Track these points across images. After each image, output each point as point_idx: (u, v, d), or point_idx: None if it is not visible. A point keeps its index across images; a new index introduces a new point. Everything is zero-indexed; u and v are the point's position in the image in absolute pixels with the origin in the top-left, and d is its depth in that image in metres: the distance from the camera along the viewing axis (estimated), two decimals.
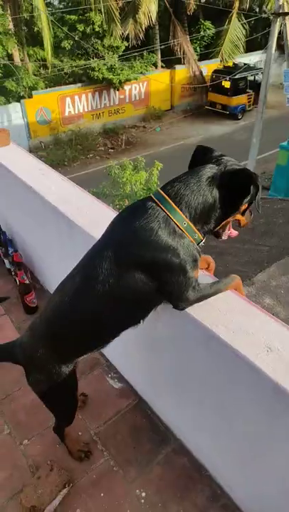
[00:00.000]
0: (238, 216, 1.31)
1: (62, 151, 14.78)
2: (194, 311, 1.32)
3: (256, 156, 12.73)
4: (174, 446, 1.81)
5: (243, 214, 1.32)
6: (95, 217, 1.83)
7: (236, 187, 1.22)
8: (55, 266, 2.37)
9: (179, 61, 17.60)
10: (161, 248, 1.19)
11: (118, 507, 1.62)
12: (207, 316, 1.31)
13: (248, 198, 1.24)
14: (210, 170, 1.22)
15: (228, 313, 1.32)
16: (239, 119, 18.19)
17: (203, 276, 1.42)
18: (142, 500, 1.64)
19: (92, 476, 1.72)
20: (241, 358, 1.19)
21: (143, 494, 1.65)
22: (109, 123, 16.88)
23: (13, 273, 2.62)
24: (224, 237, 1.37)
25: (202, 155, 1.29)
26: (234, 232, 1.40)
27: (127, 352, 2.00)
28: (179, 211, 1.20)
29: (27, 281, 2.37)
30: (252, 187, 1.22)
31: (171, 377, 1.68)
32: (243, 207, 1.28)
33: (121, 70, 15.18)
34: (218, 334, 1.25)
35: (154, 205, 1.22)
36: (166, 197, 1.22)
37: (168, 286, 1.23)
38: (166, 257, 1.19)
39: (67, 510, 1.61)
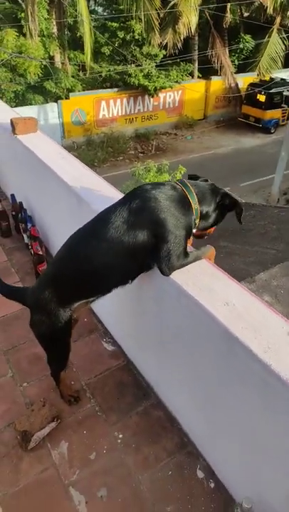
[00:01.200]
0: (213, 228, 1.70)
1: (93, 152, 15.28)
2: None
3: (284, 170, 12.77)
4: (152, 401, 2.04)
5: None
6: (102, 196, 2.11)
7: (225, 204, 1.62)
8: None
9: (215, 72, 17.87)
10: (172, 213, 1.49)
11: (97, 443, 1.86)
12: (180, 277, 1.55)
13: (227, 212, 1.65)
14: (211, 185, 1.64)
15: (198, 275, 1.56)
16: (272, 133, 18.22)
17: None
18: (119, 441, 1.87)
19: (78, 417, 1.97)
20: (202, 309, 1.42)
21: (120, 436, 1.89)
22: (142, 128, 17.29)
23: (30, 247, 2.94)
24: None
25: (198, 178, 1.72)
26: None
27: (120, 319, 2.26)
28: (194, 194, 1.55)
29: (40, 252, 2.67)
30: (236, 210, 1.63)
31: (153, 337, 1.92)
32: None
33: (157, 78, 15.59)
34: (187, 290, 1.49)
35: (177, 185, 1.57)
36: (188, 183, 1.57)
37: (164, 244, 1.49)
38: (173, 220, 1.49)
39: (54, 440, 1.87)
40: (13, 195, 3.17)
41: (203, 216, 1.60)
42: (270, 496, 1.43)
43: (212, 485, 1.71)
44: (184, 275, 1.56)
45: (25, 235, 3.03)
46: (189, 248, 1.67)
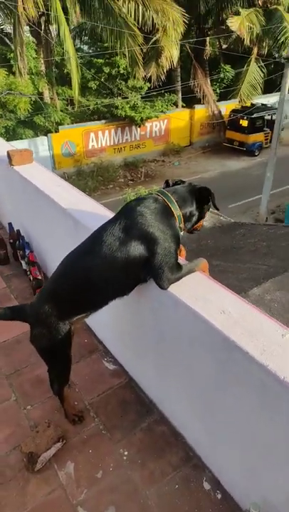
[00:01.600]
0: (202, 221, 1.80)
1: (84, 181, 15.59)
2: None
3: (270, 190, 13.12)
4: (156, 417, 2.06)
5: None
6: (99, 218, 2.20)
7: (202, 196, 1.74)
8: None
9: (198, 101, 18.61)
10: (157, 225, 1.60)
11: (103, 461, 1.88)
12: (176, 289, 1.63)
13: (210, 203, 1.75)
14: (187, 186, 1.76)
15: (193, 286, 1.63)
16: (256, 156, 18.83)
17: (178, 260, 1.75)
18: (124, 458, 1.89)
19: (83, 436, 1.99)
20: (199, 318, 1.49)
21: (126, 453, 1.91)
22: (130, 157, 17.75)
23: (28, 272, 3.00)
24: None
25: (172, 183, 1.85)
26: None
27: (120, 336, 2.31)
28: (175, 202, 1.66)
29: (39, 277, 2.74)
30: (210, 198, 1.74)
31: (151, 350, 1.97)
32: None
33: (143, 109, 16.19)
34: (183, 300, 1.57)
35: (158, 197, 1.67)
36: (167, 193, 1.67)
37: (155, 257, 1.58)
38: (159, 233, 1.59)
39: (60, 460, 1.88)
40: (10, 224, 3.27)
41: (188, 218, 1.73)
42: (275, 499, 1.46)
43: (219, 496, 1.72)
44: (180, 287, 1.64)
45: (23, 262, 3.10)
46: (182, 261, 1.76)
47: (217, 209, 1.80)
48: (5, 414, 2.12)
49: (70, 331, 1.78)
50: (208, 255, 5.12)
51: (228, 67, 19.52)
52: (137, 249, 1.59)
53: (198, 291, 1.61)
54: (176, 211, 1.66)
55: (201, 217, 1.80)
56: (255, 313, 1.48)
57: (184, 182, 1.83)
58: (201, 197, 1.75)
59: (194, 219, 1.77)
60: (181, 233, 1.73)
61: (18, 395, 2.22)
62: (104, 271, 1.64)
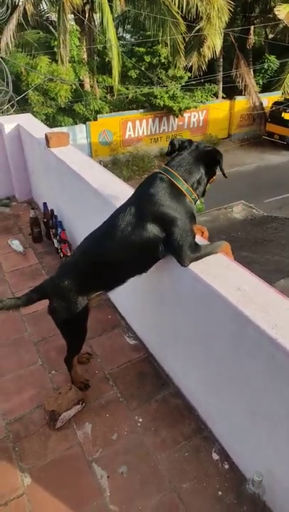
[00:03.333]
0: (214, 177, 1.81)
1: (119, 170, 15.74)
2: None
3: None
4: (171, 391, 2.16)
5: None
6: (125, 199, 2.30)
7: (210, 159, 1.73)
8: None
9: (240, 92, 18.21)
10: (168, 205, 1.65)
11: (118, 425, 2.00)
12: (196, 267, 1.70)
13: (219, 165, 1.74)
14: (193, 151, 1.75)
15: (213, 266, 1.70)
16: None
17: (200, 241, 1.81)
18: (139, 424, 2.00)
19: (101, 402, 2.12)
20: (215, 294, 1.56)
21: (140, 420, 2.02)
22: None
23: (59, 250, 3.16)
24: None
25: (179, 145, 1.82)
26: None
27: (142, 313, 2.41)
28: (180, 178, 1.68)
29: (69, 254, 2.88)
30: (219, 159, 1.72)
31: (171, 326, 2.06)
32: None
33: (182, 99, 16.04)
34: (201, 277, 1.64)
35: (163, 176, 1.70)
36: (171, 169, 1.69)
37: (173, 236, 1.65)
38: (171, 212, 1.65)
39: (79, 421, 2.02)
40: (45, 204, 3.43)
41: (197, 186, 1.72)
42: (278, 471, 1.52)
43: (226, 466, 1.80)
44: (199, 266, 1.70)
45: (55, 240, 3.26)
46: (204, 241, 1.82)
47: (225, 176, 1.80)
48: (31, 376, 2.28)
49: (87, 306, 1.89)
50: (238, 247, 5.11)
51: (272, 57, 18.91)
52: (151, 230, 1.66)
53: (217, 269, 1.67)
54: (183, 186, 1.68)
55: (209, 179, 1.79)
56: (270, 292, 1.53)
57: (191, 143, 1.78)
58: (209, 160, 1.74)
59: (204, 182, 1.76)
60: (197, 202, 1.76)
61: (44, 361, 2.38)
62: (121, 253, 1.73)
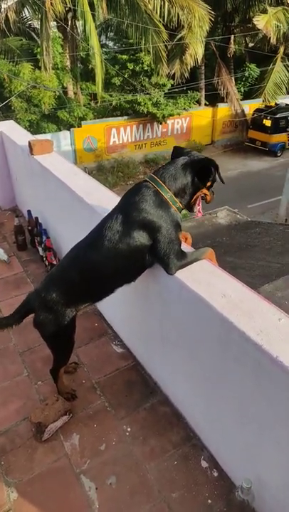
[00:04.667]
0: (205, 191, 1.75)
1: (104, 176, 15.75)
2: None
3: None
4: (159, 398, 2.15)
5: (208, 190, 1.76)
6: (111, 206, 2.29)
7: (202, 169, 1.69)
8: None
9: (222, 99, 18.50)
10: (152, 214, 1.65)
11: (107, 435, 1.97)
12: (181, 274, 1.70)
13: (211, 177, 1.70)
14: (183, 159, 1.72)
15: (198, 272, 1.71)
16: (278, 156, 18.60)
17: (185, 248, 1.82)
18: (127, 433, 1.98)
19: (89, 412, 2.09)
20: (201, 300, 1.57)
21: (128, 429, 2.00)
22: (151, 154, 17.80)
23: (44, 258, 3.12)
24: (196, 210, 1.78)
25: (178, 153, 1.80)
26: (200, 212, 1.82)
27: (128, 321, 2.40)
28: (165, 186, 1.67)
29: (54, 262, 2.85)
30: (212, 169, 1.68)
31: (157, 333, 2.05)
32: (208, 184, 1.74)
33: (165, 106, 16.21)
34: (187, 284, 1.64)
35: (148, 184, 1.70)
36: (156, 177, 1.69)
37: (159, 244, 1.65)
38: (156, 220, 1.65)
39: (66, 432, 1.99)
40: (29, 211, 3.40)
41: (182, 195, 1.69)
42: (268, 477, 1.52)
43: (215, 474, 1.80)
44: (185, 273, 1.71)
45: (40, 248, 3.22)
46: (188, 249, 1.83)
47: (223, 182, 1.72)
48: (17, 387, 2.24)
49: (75, 318, 1.87)
50: (222, 252, 5.16)
51: (253, 65, 19.31)
52: (138, 239, 1.66)
53: (202, 276, 1.68)
54: (167, 194, 1.66)
55: (198, 188, 1.71)
56: (255, 297, 1.55)
57: (189, 153, 1.76)
58: (199, 169, 1.68)
59: (190, 192, 1.71)
60: (183, 212, 1.75)
61: (30, 371, 2.34)
62: (109, 263, 1.72)
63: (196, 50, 15.68)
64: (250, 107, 19.33)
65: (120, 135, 16.91)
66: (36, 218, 3.29)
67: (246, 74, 19.43)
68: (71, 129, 15.31)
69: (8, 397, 2.18)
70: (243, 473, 1.68)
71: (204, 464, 1.84)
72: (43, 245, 3.09)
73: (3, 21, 12.63)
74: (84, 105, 15.30)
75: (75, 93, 15.23)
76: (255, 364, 1.39)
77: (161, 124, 17.17)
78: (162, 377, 2.18)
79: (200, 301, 1.58)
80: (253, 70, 19.32)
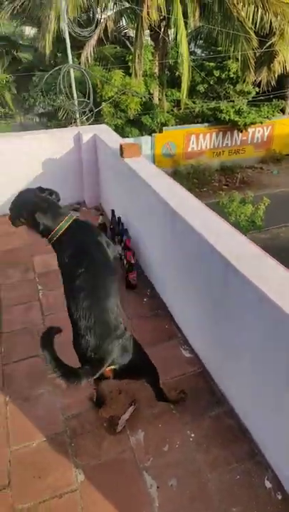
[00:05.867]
0: None
1: (179, 182, 15.71)
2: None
3: None
4: (225, 409, 2.13)
5: None
6: (194, 210, 2.34)
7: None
8: (155, 254, 2.94)
9: None
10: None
11: (170, 437, 2.01)
12: (264, 286, 1.68)
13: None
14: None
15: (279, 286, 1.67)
16: None
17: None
18: (191, 439, 2.00)
19: (154, 411, 2.14)
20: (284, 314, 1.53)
21: (192, 435, 2.02)
22: (228, 161, 17.53)
23: (123, 257, 3.25)
24: None
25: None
26: None
27: (201, 329, 2.41)
28: None
29: (132, 261, 2.96)
30: None
31: (232, 347, 2.04)
32: None
33: (248, 114, 15.87)
34: (269, 296, 1.62)
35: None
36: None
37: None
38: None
39: (132, 427, 2.06)
40: (113, 211, 3.57)
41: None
42: None
43: (279, 496, 1.74)
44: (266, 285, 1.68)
45: (119, 247, 3.36)
46: None
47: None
48: None
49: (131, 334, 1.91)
50: None
51: None
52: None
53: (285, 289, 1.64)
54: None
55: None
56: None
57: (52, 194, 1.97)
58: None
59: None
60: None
61: None
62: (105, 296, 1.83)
63: (285, 58, 15.16)
64: None
65: (199, 142, 16.88)
66: (119, 218, 3.44)
67: None
68: (153, 134, 15.63)
69: None
70: None
71: (268, 484, 1.79)
72: (123, 244, 3.22)
73: (102, 31, 13.31)
74: (167, 111, 15.56)
75: (159, 99, 15.54)
76: None
77: (241, 132, 16.83)
78: (229, 390, 2.16)
79: (283, 315, 1.55)
80: None
